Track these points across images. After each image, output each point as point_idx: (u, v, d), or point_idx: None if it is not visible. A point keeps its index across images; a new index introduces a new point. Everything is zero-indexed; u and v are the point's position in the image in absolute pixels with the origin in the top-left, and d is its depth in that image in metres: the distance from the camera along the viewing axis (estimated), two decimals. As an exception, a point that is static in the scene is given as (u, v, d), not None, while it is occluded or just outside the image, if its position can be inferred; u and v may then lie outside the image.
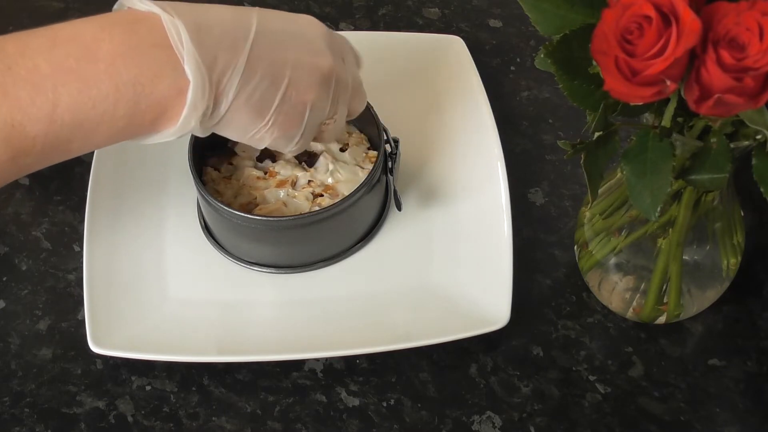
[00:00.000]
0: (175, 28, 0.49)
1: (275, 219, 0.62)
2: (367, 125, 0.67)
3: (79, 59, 0.48)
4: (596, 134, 0.49)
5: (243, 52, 0.50)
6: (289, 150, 0.56)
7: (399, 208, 0.67)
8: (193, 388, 0.62)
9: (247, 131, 0.53)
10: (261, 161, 0.67)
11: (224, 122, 0.52)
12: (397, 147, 0.65)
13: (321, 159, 0.66)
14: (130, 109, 0.49)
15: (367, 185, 0.63)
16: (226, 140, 0.67)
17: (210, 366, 0.62)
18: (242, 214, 0.61)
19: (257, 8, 0.53)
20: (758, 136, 0.45)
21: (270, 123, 0.53)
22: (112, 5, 0.51)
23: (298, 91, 0.53)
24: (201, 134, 0.53)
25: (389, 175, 0.65)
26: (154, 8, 0.50)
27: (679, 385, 0.62)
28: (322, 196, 0.65)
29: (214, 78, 0.50)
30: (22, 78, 0.47)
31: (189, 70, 0.49)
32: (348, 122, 0.67)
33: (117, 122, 0.49)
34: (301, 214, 0.63)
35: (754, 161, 0.45)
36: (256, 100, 0.51)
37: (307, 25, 0.55)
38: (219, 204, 0.61)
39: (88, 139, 0.49)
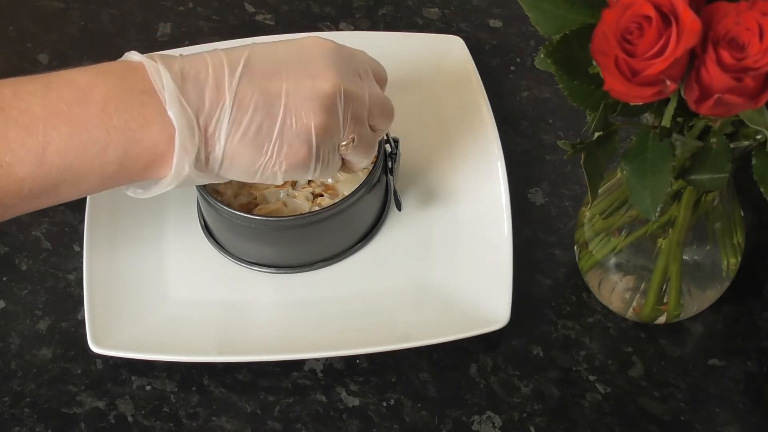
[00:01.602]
0: (158, 73, 0.49)
1: (275, 219, 0.62)
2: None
3: (72, 103, 0.48)
4: (596, 134, 0.49)
5: (229, 89, 0.50)
6: (312, 178, 0.56)
7: (399, 208, 0.67)
8: (193, 388, 0.62)
9: (253, 169, 0.52)
10: None
11: (226, 165, 0.52)
12: (396, 147, 0.65)
13: None
14: (120, 154, 0.49)
15: (367, 185, 0.63)
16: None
17: (210, 366, 0.62)
18: (242, 214, 0.61)
19: (251, 44, 0.53)
20: (758, 136, 0.45)
21: (273, 156, 0.52)
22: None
23: (298, 117, 0.51)
24: (206, 181, 0.53)
25: (389, 175, 0.65)
26: (143, 58, 0.50)
27: (679, 385, 0.62)
28: (322, 196, 0.64)
29: (201, 120, 0.49)
30: (13, 119, 0.47)
31: (172, 114, 0.49)
32: None
33: (107, 167, 0.49)
34: (301, 214, 0.63)
35: (754, 161, 0.45)
36: (252, 135, 0.51)
37: (309, 46, 0.53)
38: (219, 204, 0.61)
39: (77, 183, 0.49)
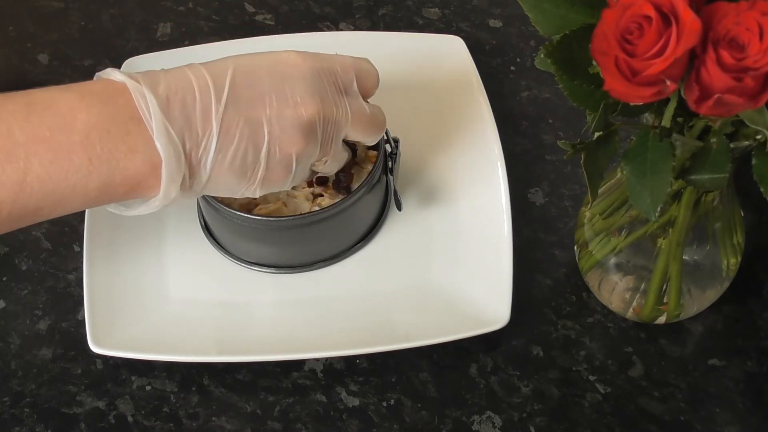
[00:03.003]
0: (144, 100, 0.48)
1: (275, 219, 0.62)
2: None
3: (54, 129, 0.47)
4: (596, 134, 0.49)
5: (216, 117, 0.50)
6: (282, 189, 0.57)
7: (399, 208, 0.67)
8: (193, 388, 0.62)
9: (235, 191, 0.54)
10: None
11: (210, 187, 0.52)
12: (396, 147, 0.65)
13: None
14: (103, 181, 0.49)
15: (368, 185, 0.63)
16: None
17: (210, 366, 0.62)
18: (242, 214, 0.61)
19: (233, 59, 0.52)
20: (758, 136, 0.45)
21: (256, 181, 0.53)
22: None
23: (282, 146, 0.52)
24: (188, 200, 0.53)
25: (389, 174, 0.65)
26: (126, 80, 0.49)
27: (679, 385, 0.62)
28: (322, 196, 0.64)
29: (187, 149, 0.49)
30: None
31: (159, 144, 0.48)
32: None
33: (89, 193, 0.49)
34: (301, 214, 0.63)
35: (754, 161, 0.45)
36: (238, 164, 0.51)
37: (290, 68, 0.53)
38: (219, 204, 0.61)
39: (57, 207, 0.49)
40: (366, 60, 0.58)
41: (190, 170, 0.50)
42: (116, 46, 0.80)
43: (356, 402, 0.61)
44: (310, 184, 0.65)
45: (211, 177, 0.51)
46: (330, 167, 0.58)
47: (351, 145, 0.63)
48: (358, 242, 0.67)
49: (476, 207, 0.68)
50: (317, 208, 0.62)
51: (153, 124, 0.48)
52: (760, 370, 0.62)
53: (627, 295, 0.63)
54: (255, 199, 0.65)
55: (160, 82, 0.50)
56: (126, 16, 0.82)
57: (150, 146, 0.49)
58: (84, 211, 0.66)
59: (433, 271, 0.66)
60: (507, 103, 0.76)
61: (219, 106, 0.50)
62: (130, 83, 0.49)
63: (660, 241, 0.58)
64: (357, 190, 0.62)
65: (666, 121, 0.46)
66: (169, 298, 0.64)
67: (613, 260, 0.61)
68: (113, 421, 0.60)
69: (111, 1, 0.84)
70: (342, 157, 0.59)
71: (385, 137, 0.65)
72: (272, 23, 0.82)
